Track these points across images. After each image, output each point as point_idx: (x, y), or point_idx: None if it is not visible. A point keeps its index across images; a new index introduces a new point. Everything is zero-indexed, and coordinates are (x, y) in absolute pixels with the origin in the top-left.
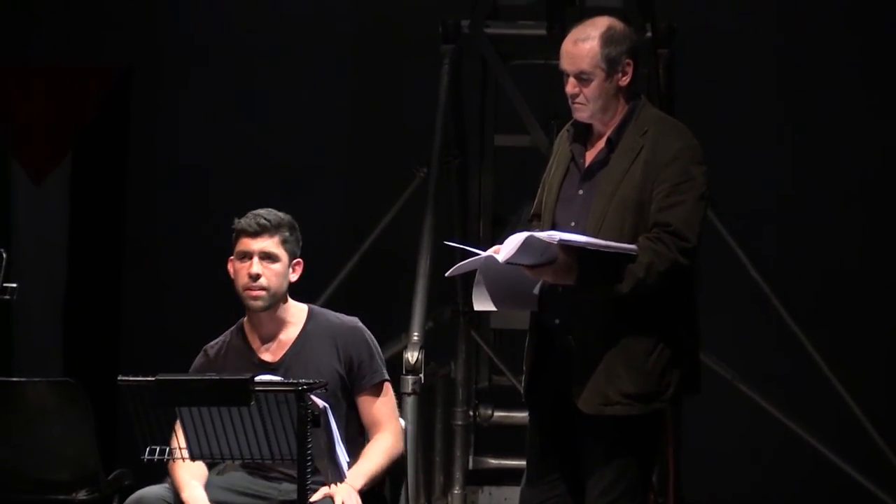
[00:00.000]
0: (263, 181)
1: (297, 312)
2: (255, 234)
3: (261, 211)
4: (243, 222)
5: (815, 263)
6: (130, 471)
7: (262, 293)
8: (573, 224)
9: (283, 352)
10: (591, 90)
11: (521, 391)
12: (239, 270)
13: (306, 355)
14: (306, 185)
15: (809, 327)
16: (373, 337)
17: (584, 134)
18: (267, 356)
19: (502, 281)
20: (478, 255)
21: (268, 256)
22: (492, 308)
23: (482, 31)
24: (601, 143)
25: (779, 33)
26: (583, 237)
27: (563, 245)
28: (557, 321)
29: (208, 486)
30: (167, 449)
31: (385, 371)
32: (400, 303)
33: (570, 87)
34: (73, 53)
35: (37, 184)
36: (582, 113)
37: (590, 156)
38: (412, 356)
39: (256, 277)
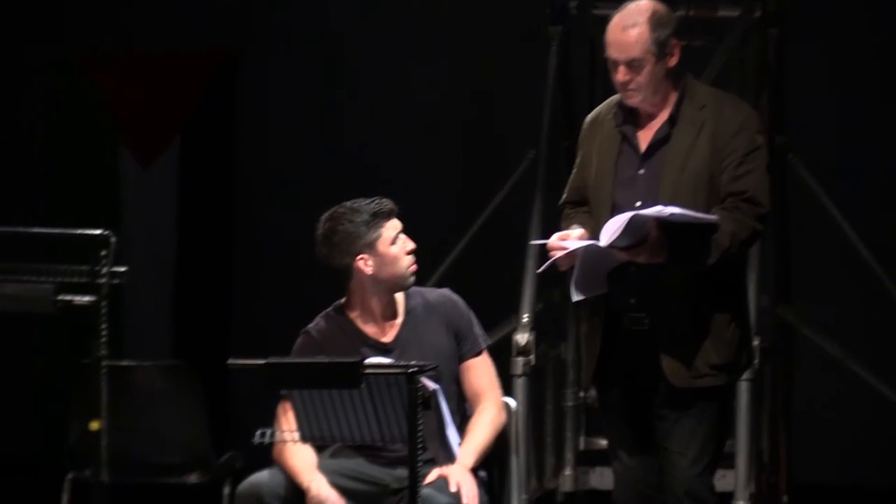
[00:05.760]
0: (370, 164)
1: (398, 293)
2: (395, 213)
3: (366, 199)
4: (384, 207)
5: None
6: (242, 454)
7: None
8: (638, 204)
9: (396, 332)
10: (643, 76)
11: (586, 377)
12: (398, 255)
13: (419, 334)
14: (414, 169)
15: None
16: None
17: (632, 116)
18: (379, 337)
19: (591, 266)
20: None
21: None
22: (581, 297)
23: (590, 12)
24: (657, 123)
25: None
26: (686, 210)
27: (658, 222)
28: (633, 301)
29: (322, 471)
30: (278, 432)
31: (485, 338)
32: (509, 285)
33: (622, 75)
34: (179, 38)
35: (145, 168)
36: (634, 99)
37: (644, 135)
38: (522, 338)
39: (412, 252)
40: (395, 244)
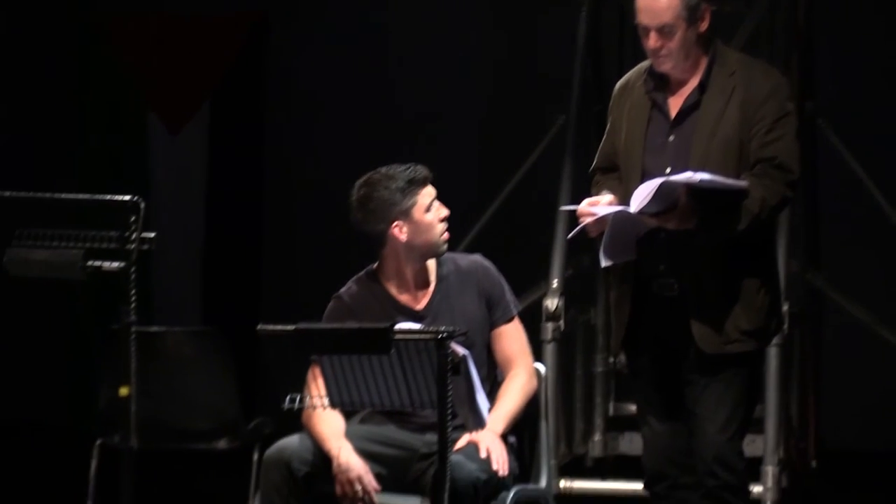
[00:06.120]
0: (400, 128)
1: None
2: (429, 180)
3: (399, 166)
4: (418, 173)
5: None
6: (271, 419)
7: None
8: (668, 170)
9: (428, 299)
10: (674, 42)
11: (616, 343)
12: (432, 222)
13: (451, 301)
14: (444, 134)
15: None
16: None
17: (662, 82)
18: (412, 304)
19: (620, 233)
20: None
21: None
22: (610, 263)
23: None
24: (687, 89)
25: None
26: (716, 177)
27: (688, 188)
28: (662, 267)
29: (351, 436)
30: (307, 397)
31: (516, 305)
32: (539, 250)
33: (653, 41)
34: (209, 2)
35: (174, 134)
36: (665, 65)
37: (675, 102)
38: (552, 303)
39: (446, 219)
40: (429, 211)
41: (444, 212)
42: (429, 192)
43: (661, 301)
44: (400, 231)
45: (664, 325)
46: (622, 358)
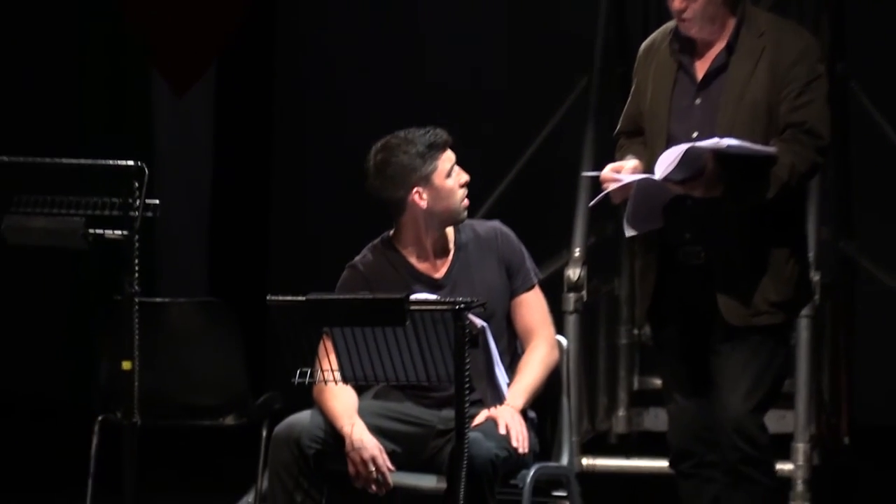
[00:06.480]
0: (416, 89)
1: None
2: (449, 144)
3: (419, 130)
4: (439, 137)
5: None
6: (280, 395)
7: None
8: (695, 135)
9: (447, 267)
10: (699, 4)
11: (641, 314)
12: (453, 188)
13: (470, 270)
14: (463, 96)
15: None
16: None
17: (688, 44)
18: (431, 272)
19: (645, 200)
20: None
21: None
22: (634, 233)
23: None
24: (713, 52)
25: None
26: (744, 142)
27: (715, 155)
28: (688, 235)
29: (363, 412)
30: (318, 371)
31: (537, 273)
32: (560, 218)
33: (678, 2)
34: None
35: (180, 95)
36: (690, 28)
37: (701, 64)
38: (574, 273)
39: (466, 185)
40: (450, 177)
41: (465, 177)
42: (448, 157)
43: (687, 271)
44: (420, 198)
45: (690, 295)
46: (647, 330)
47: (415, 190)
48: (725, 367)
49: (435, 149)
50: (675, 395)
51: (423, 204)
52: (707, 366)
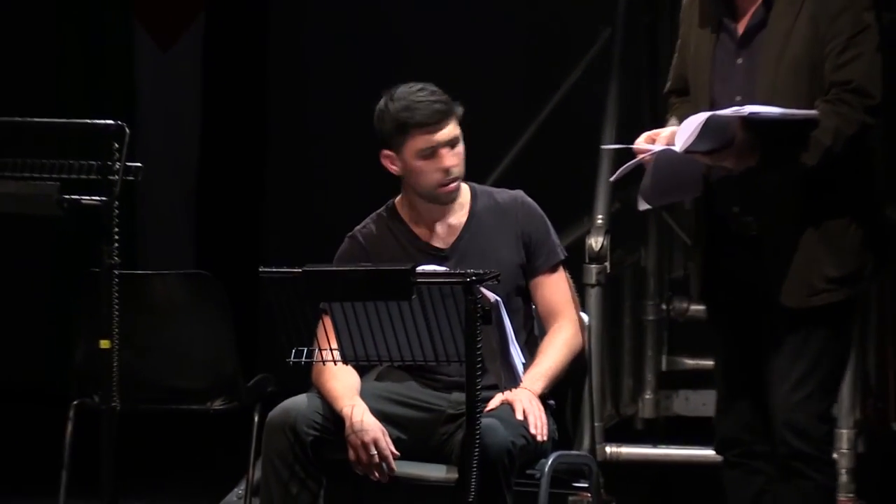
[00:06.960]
0: (419, 48)
1: (462, 192)
2: (436, 124)
3: (421, 94)
4: (417, 115)
5: None
6: (273, 376)
7: (457, 184)
8: (738, 99)
9: (454, 237)
10: None
11: (694, 291)
12: (424, 169)
13: (481, 241)
14: (479, 48)
15: None
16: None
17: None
18: (436, 242)
19: (667, 172)
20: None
21: (452, 142)
22: (647, 207)
23: None
24: (753, 6)
25: None
26: (770, 108)
27: (745, 122)
28: (736, 209)
29: (366, 395)
30: (316, 350)
31: (562, 250)
32: (582, 182)
33: None
34: None
35: (164, 50)
36: None
37: (742, 22)
38: (596, 242)
39: (451, 171)
40: (425, 158)
41: (449, 161)
42: (427, 139)
43: (739, 248)
44: (391, 162)
45: (745, 271)
46: (676, 304)
47: (384, 152)
48: (778, 351)
49: (415, 126)
50: (725, 381)
51: (395, 169)
52: (761, 350)
